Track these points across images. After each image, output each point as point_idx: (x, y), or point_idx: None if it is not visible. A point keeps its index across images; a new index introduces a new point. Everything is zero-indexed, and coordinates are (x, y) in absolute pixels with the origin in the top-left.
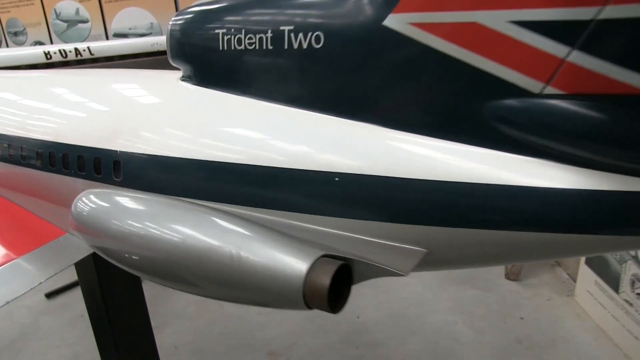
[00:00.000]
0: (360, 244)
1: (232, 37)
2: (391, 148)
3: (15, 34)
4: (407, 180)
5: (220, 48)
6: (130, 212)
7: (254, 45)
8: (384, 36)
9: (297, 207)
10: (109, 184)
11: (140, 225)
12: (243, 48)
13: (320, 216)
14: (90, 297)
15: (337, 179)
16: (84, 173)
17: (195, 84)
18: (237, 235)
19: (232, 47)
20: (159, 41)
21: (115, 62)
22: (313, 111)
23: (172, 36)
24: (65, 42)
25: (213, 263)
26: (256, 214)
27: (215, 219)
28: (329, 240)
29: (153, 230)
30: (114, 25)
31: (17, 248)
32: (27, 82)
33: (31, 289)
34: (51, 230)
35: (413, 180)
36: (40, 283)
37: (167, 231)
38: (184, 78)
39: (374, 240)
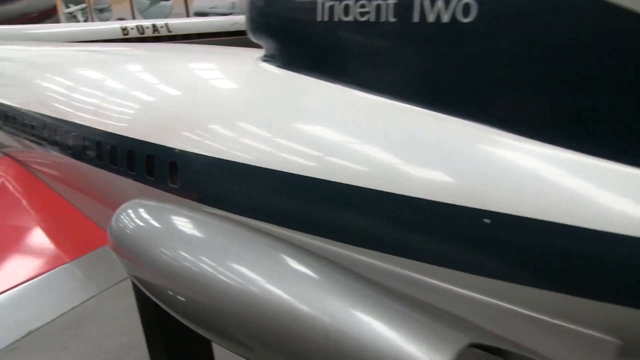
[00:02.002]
0: (522, 323)
1: (337, 4)
2: (577, 179)
3: (101, 10)
4: (600, 234)
5: (319, 19)
6: (185, 239)
7: (367, 17)
8: (576, 7)
9: (427, 256)
10: (162, 190)
11: (194, 261)
12: (351, 20)
13: (460, 273)
14: (145, 309)
15: (487, 220)
16: (134, 173)
17: (280, 66)
18: (337, 297)
19: (336, 19)
20: (240, 20)
21: (192, 40)
22: (453, 116)
23: (253, 4)
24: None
25: (295, 337)
26: (365, 259)
27: (303, 266)
28: (474, 313)
29: (212, 271)
30: (196, 4)
31: (69, 250)
32: (81, 56)
33: (82, 303)
34: (100, 233)
35: (610, 235)
36: (90, 298)
37: (232, 276)
38: (267, 58)
39: (542, 318)
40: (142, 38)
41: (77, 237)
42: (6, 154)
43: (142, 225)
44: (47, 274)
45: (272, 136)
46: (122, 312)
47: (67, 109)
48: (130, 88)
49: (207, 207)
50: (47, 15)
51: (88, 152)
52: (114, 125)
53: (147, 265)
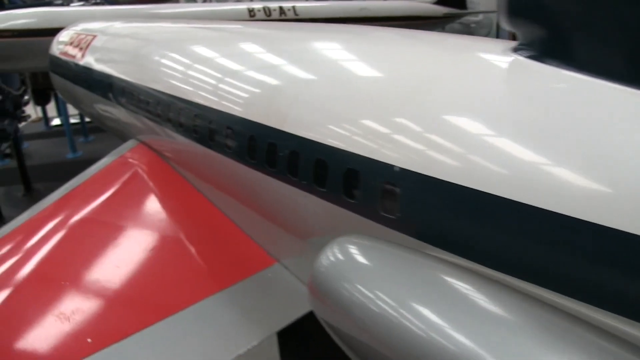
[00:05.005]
0: None
1: None
2: None
3: None
4: None
5: None
6: (413, 298)
7: None
8: None
9: None
10: (367, 218)
11: (415, 327)
12: None
13: None
14: None
15: None
16: (323, 189)
17: (551, 64)
18: None
19: None
20: (369, 6)
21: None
22: None
23: None
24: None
25: None
26: None
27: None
28: None
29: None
30: None
31: (222, 274)
32: (249, 38)
33: (246, 351)
34: (257, 253)
35: None
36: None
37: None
38: (524, 50)
39: None
40: (268, 21)
41: (231, 256)
42: (143, 142)
43: (360, 274)
44: (197, 304)
45: (554, 170)
46: None
47: (228, 103)
48: (325, 81)
49: (445, 252)
50: None
51: (256, 155)
52: (295, 126)
53: (355, 320)
